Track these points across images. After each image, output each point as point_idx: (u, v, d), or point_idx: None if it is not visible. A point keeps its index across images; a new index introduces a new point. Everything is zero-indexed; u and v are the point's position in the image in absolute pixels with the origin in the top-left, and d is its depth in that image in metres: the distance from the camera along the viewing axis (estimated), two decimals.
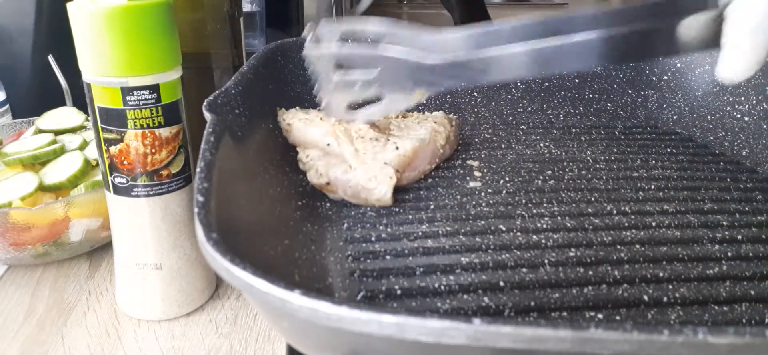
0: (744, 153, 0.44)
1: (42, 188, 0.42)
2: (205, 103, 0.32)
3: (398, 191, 0.37)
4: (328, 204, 0.37)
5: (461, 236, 0.32)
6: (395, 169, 0.36)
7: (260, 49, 0.47)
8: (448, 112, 0.50)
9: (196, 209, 0.22)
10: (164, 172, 0.35)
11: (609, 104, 0.53)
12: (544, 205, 0.36)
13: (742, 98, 0.46)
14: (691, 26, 0.29)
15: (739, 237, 0.32)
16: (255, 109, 0.38)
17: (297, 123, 0.40)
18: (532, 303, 0.27)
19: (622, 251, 0.31)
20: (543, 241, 0.32)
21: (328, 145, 0.37)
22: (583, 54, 0.30)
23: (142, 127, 0.33)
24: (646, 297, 0.28)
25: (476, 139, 0.46)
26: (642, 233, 0.33)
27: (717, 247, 0.31)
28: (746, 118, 0.45)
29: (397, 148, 0.37)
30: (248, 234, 0.26)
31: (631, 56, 0.32)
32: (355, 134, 0.38)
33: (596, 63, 0.31)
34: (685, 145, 0.46)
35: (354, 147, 0.36)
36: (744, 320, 0.27)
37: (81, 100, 0.38)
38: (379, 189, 0.34)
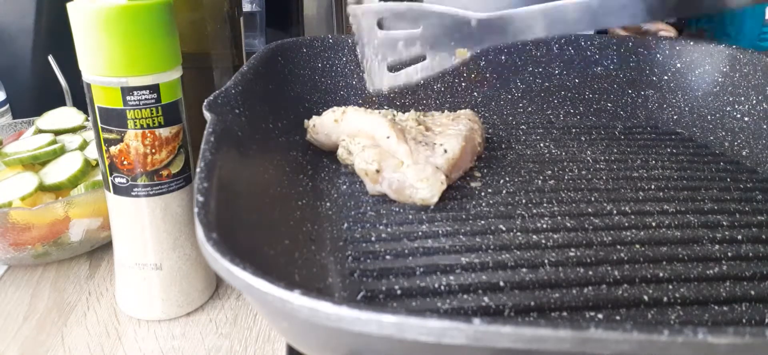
0: (744, 153, 0.44)
1: (42, 188, 0.42)
2: (205, 103, 0.32)
3: None
4: (328, 204, 0.37)
5: (461, 236, 0.32)
6: (446, 174, 0.36)
7: (260, 49, 0.47)
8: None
9: (196, 209, 0.22)
10: (164, 172, 0.35)
11: (609, 104, 0.53)
12: (544, 205, 0.36)
13: (742, 98, 0.46)
14: None
15: (739, 237, 0.32)
16: (255, 109, 0.38)
17: (354, 112, 0.40)
18: (532, 303, 0.27)
19: (622, 251, 0.31)
20: (543, 241, 0.32)
21: (388, 138, 0.38)
22: (631, 6, 0.30)
23: (142, 127, 0.33)
24: (646, 297, 0.28)
25: None
26: (642, 233, 0.33)
27: (717, 247, 0.31)
28: (746, 118, 0.45)
29: (445, 151, 0.37)
30: (248, 234, 0.26)
31: (679, 9, 0.32)
32: (408, 135, 0.39)
33: (643, 17, 0.30)
34: (685, 145, 0.46)
35: (409, 146, 0.37)
36: (744, 320, 0.27)
37: (81, 100, 0.38)
38: (428, 191, 0.35)
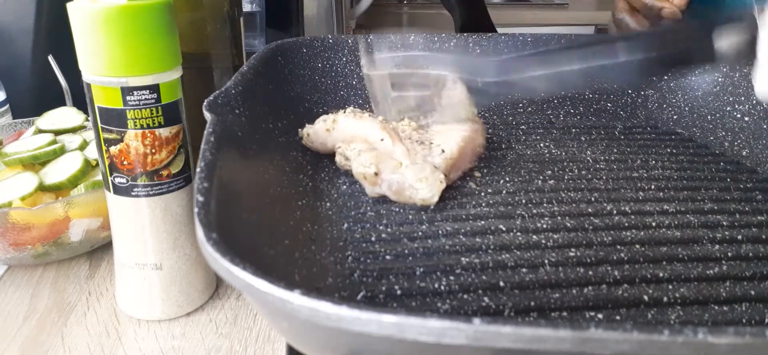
0: (744, 153, 0.44)
1: (42, 188, 0.42)
2: (205, 103, 0.32)
3: None
4: (328, 204, 0.37)
5: (461, 236, 0.32)
6: (444, 174, 0.36)
7: (260, 49, 0.47)
8: None
9: (196, 209, 0.22)
10: (164, 172, 0.35)
11: (609, 104, 0.53)
12: (544, 205, 0.36)
13: (742, 98, 0.46)
14: (728, 40, 0.30)
15: (739, 237, 0.32)
16: (255, 109, 0.38)
17: (345, 119, 0.41)
18: (532, 303, 0.27)
19: (622, 251, 0.31)
20: (543, 241, 0.32)
21: (382, 140, 0.38)
22: (626, 72, 0.32)
23: (142, 127, 0.33)
24: (646, 297, 0.28)
25: None
26: (642, 233, 0.33)
27: (717, 247, 0.31)
28: (746, 118, 0.45)
29: (443, 151, 0.37)
30: (248, 234, 0.26)
31: (669, 69, 0.34)
32: (402, 135, 0.39)
33: (637, 80, 0.33)
34: (685, 145, 0.46)
35: (405, 146, 0.37)
36: (744, 320, 0.27)
37: (81, 100, 0.38)
38: (428, 191, 0.35)
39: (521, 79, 0.35)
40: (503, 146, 0.45)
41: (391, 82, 0.40)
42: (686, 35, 0.33)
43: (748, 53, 0.31)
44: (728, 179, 0.40)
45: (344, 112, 0.42)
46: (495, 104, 0.53)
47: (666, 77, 0.52)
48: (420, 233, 0.33)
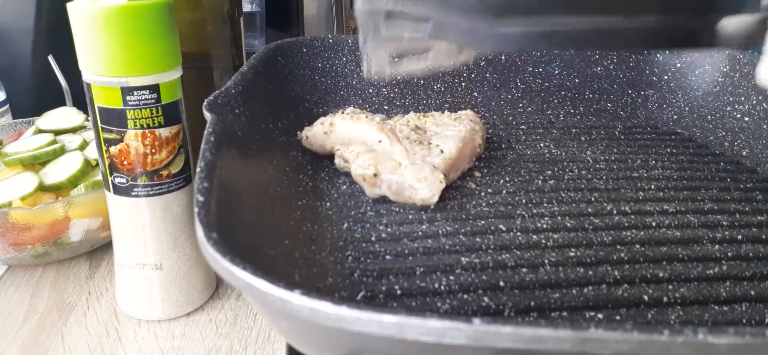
0: (744, 153, 0.44)
1: (42, 188, 0.42)
2: (205, 103, 0.32)
3: None
4: (328, 204, 0.37)
5: (461, 236, 0.32)
6: (444, 174, 0.36)
7: (260, 49, 0.47)
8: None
9: (196, 209, 0.22)
10: (164, 172, 0.35)
11: (609, 104, 0.53)
12: (544, 205, 0.36)
13: (742, 98, 0.46)
14: (737, 24, 0.30)
15: (739, 237, 0.32)
16: (255, 109, 0.38)
17: (342, 121, 0.41)
18: (532, 303, 0.27)
19: (622, 251, 0.31)
20: (543, 241, 0.32)
21: (380, 142, 0.38)
22: (636, 37, 0.31)
23: (142, 127, 0.33)
24: (646, 297, 0.28)
25: None
26: (642, 233, 0.33)
27: (717, 247, 0.31)
28: (746, 118, 0.45)
29: (442, 151, 0.37)
30: (248, 234, 0.26)
31: (678, 44, 0.33)
32: (400, 135, 0.39)
33: (645, 47, 0.31)
34: (685, 145, 0.46)
35: (403, 147, 0.37)
36: (744, 320, 0.27)
37: (81, 100, 0.38)
38: (427, 190, 0.35)
39: (527, 31, 0.34)
40: (503, 146, 0.45)
41: (387, 11, 0.38)
42: (695, 7, 0.32)
43: (755, 38, 0.30)
44: (728, 179, 0.40)
45: (341, 113, 0.42)
46: (495, 103, 0.53)
47: (665, 77, 0.52)
48: (420, 233, 0.33)
